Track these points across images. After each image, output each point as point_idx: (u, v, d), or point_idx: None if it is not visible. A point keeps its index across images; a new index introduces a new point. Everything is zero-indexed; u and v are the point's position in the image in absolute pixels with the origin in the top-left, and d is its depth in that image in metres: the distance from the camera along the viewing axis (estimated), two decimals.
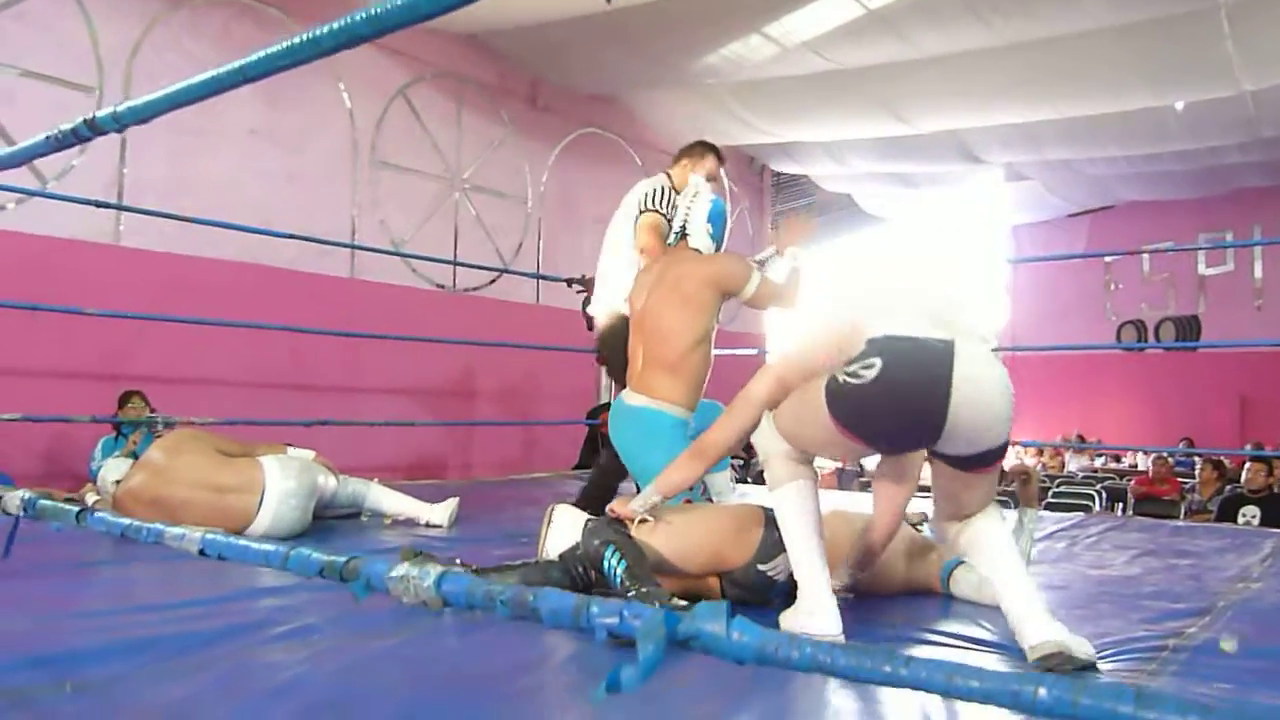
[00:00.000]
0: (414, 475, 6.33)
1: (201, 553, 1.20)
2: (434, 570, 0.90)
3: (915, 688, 0.61)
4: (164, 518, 2.87)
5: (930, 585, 2.50)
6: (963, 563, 2.44)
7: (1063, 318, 13.31)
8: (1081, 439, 12.16)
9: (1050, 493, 7.84)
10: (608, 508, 2.30)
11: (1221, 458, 7.96)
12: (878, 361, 1.80)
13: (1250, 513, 6.00)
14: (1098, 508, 7.51)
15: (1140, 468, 10.57)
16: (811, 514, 2.04)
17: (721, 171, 3.50)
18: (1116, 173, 10.55)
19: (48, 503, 1.60)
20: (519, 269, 8.18)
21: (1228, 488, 7.09)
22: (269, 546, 1.14)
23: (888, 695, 1.58)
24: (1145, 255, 12.80)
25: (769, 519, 2.17)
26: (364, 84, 7.39)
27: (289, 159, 6.95)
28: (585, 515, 2.46)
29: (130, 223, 6.04)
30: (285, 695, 1.53)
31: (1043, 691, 0.57)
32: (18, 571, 2.27)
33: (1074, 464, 11.59)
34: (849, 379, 1.83)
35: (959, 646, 2.02)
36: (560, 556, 2.32)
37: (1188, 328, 12.52)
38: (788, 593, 2.12)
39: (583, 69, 8.21)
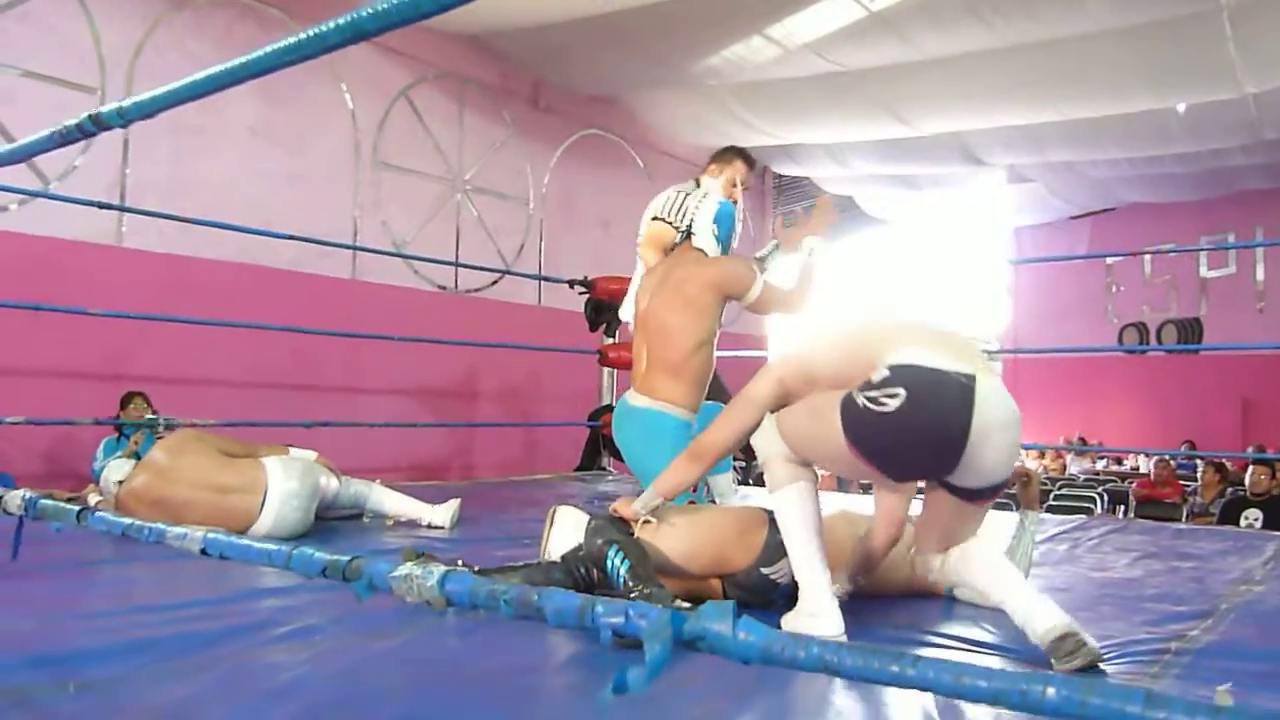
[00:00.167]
0: (415, 476, 6.33)
1: (203, 552, 1.20)
2: (437, 569, 0.90)
3: (923, 688, 0.61)
4: (166, 518, 2.87)
5: (933, 587, 2.49)
6: None
7: (1064, 319, 13.30)
8: (1083, 441, 12.15)
9: (1051, 495, 7.84)
10: (610, 507, 2.29)
11: (1224, 460, 7.95)
12: (902, 392, 1.81)
13: (1253, 515, 6.00)
14: (1099, 510, 7.51)
15: (1142, 470, 10.56)
16: (812, 516, 2.04)
17: (750, 176, 3.45)
18: (1118, 175, 10.54)
19: (49, 502, 1.60)
20: (521, 270, 8.19)
21: (1230, 490, 7.08)
22: (271, 546, 1.14)
23: (891, 695, 1.58)
24: (1147, 257, 12.78)
25: (772, 521, 2.17)
26: (366, 84, 7.40)
27: (291, 160, 6.96)
28: (587, 516, 2.45)
29: (132, 223, 6.05)
30: (287, 696, 1.52)
31: (1051, 691, 0.56)
32: (20, 571, 2.27)
33: (1075, 466, 11.58)
34: (870, 405, 1.84)
35: (962, 648, 2.02)
36: (562, 557, 2.32)
37: (1190, 330, 12.50)
38: (790, 595, 2.11)
39: (585, 70, 8.21)
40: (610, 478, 5.88)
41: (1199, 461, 9.29)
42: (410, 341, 6.12)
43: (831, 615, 1.98)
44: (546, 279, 6.89)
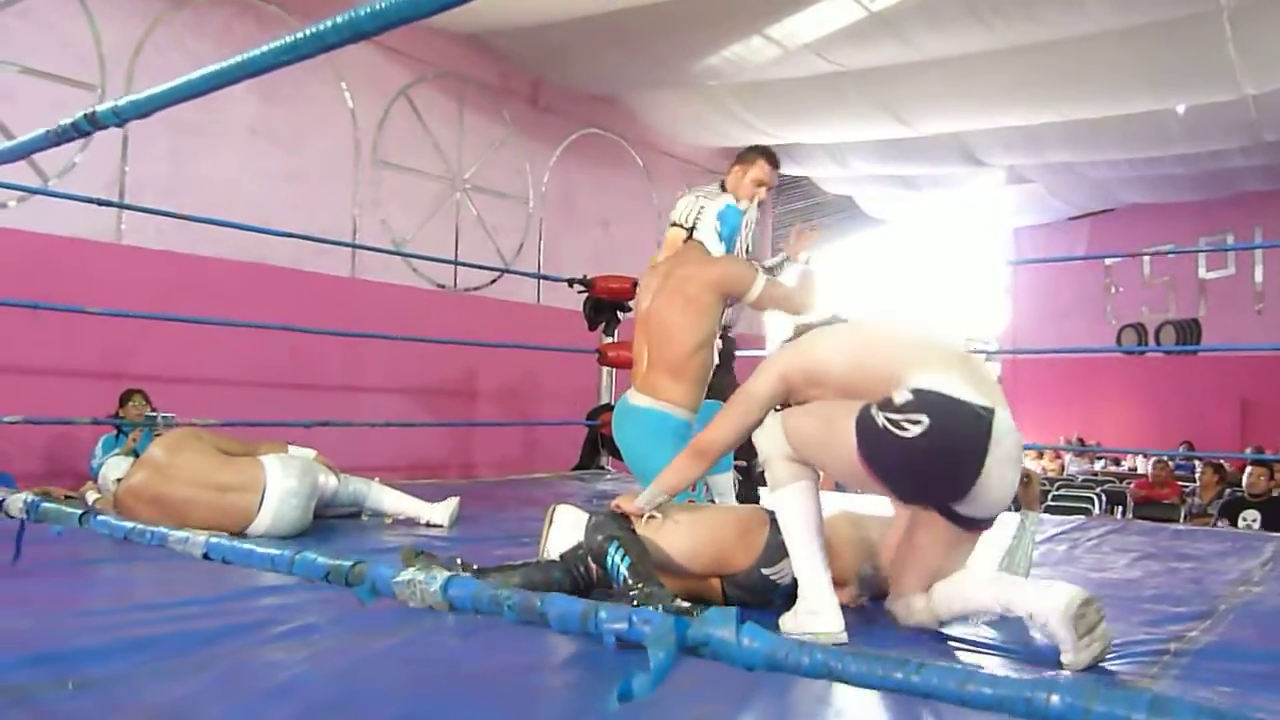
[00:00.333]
0: (414, 475, 6.32)
1: (206, 557, 1.20)
2: (440, 575, 0.90)
3: (928, 695, 0.61)
4: (165, 516, 2.88)
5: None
6: None
7: (1063, 320, 13.31)
8: (1081, 442, 12.16)
9: (1050, 496, 7.85)
10: (612, 503, 2.29)
11: (1222, 461, 7.96)
12: (925, 420, 1.81)
13: (1251, 516, 6.01)
14: (1097, 511, 7.51)
15: (1140, 471, 10.58)
16: (813, 515, 2.03)
17: (774, 175, 3.46)
18: (1118, 175, 10.55)
19: (50, 505, 1.60)
20: (520, 269, 8.18)
21: (1228, 491, 7.09)
22: (274, 550, 1.14)
23: (890, 698, 1.58)
24: (1146, 258, 12.80)
25: (773, 522, 2.16)
26: (366, 84, 7.39)
27: (290, 158, 6.95)
28: (587, 515, 2.45)
29: (131, 221, 6.04)
30: (285, 695, 1.52)
31: (1055, 698, 0.56)
32: (20, 570, 2.27)
33: (1074, 467, 11.60)
34: (890, 427, 1.84)
35: (964, 648, 2.02)
36: (561, 556, 2.32)
37: (1188, 331, 12.51)
38: (789, 595, 2.11)
39: (584, 69, 8.21)
40: (609, 477, 5.88)
41: (1197, 462, 9.30)
42: (409, 340, 6.12)
43: (832, 613, 1.98)
44: (546, 278, 6.89)
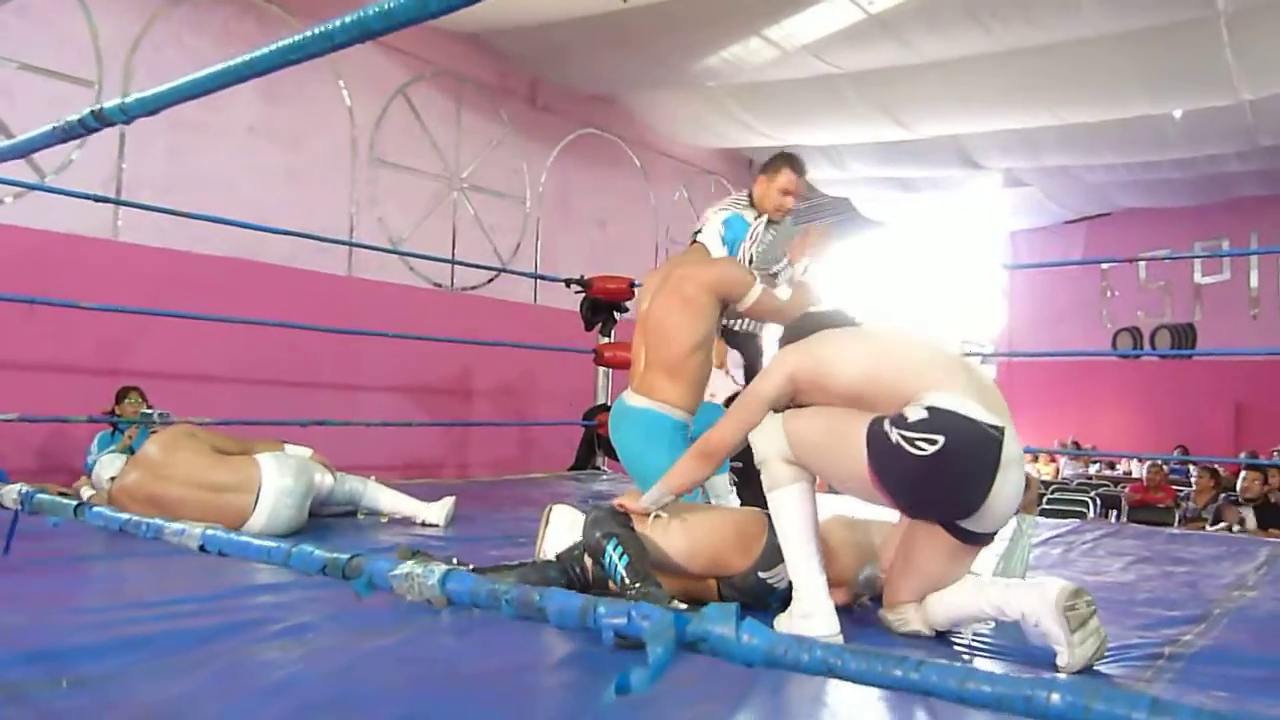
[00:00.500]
0: (409, 474, 6.32)
1: (202, 549, 1.20)
2: (439, 568, 0.90)
3: (927, 693, 0.61)
4: (159, 515, 2.86)
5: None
6: None
7: (1059, 324, 13.33)
8: (1076, 445, 12.18)
9: (1044, 499, 7.86)
10: (616, 501, 2.28)
11: (1216, 466, 7.98)
12: (941, 440, 1.82)
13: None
14: (1092, 514, 7.53)
15: (1134, 475, 10.60)
16: (809, 517, 2.03)
17: (800, 183, 3.46)
18: (1115, 180, 10.57)
19: (45, 497, 1.59)
20: (517, 269, 8.18)
21: (1222, 495, 7.11)
22: (270, 544, 1.13)
23: (886, 695, 1.58)
24: (1142, 263, 12.82)
25: (771, 526, 2.15)
26: (364, 82, 7.39)
27: (288, 156, 6.94)
28: (583, 515, 2.44)
29: (128, 218, 6.03)
30: (281, 693, 1.52)
31: (1055, 697, 0.56)
32: (14, 566, 2.27)
33: (1068, 470, 11.62)
34: (904, 444, 1.84)
35: (960, 647, 2.02)
36: (557, 556, 2.31)
37: (1183, 335, 12.54)
38: (784, 599, 2.11)
39: (583, 69, 8.21)
40: (605, 477, 5.88)
41: (1191, 466, 9.32)
42: (406, 339, 6.11)
43: (828, 615, 1.98)
44: (543, 277, 6.88)
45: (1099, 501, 7.94)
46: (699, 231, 3.30)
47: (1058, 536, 3.90)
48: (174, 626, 1.87)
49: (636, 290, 5.89)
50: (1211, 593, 2.74)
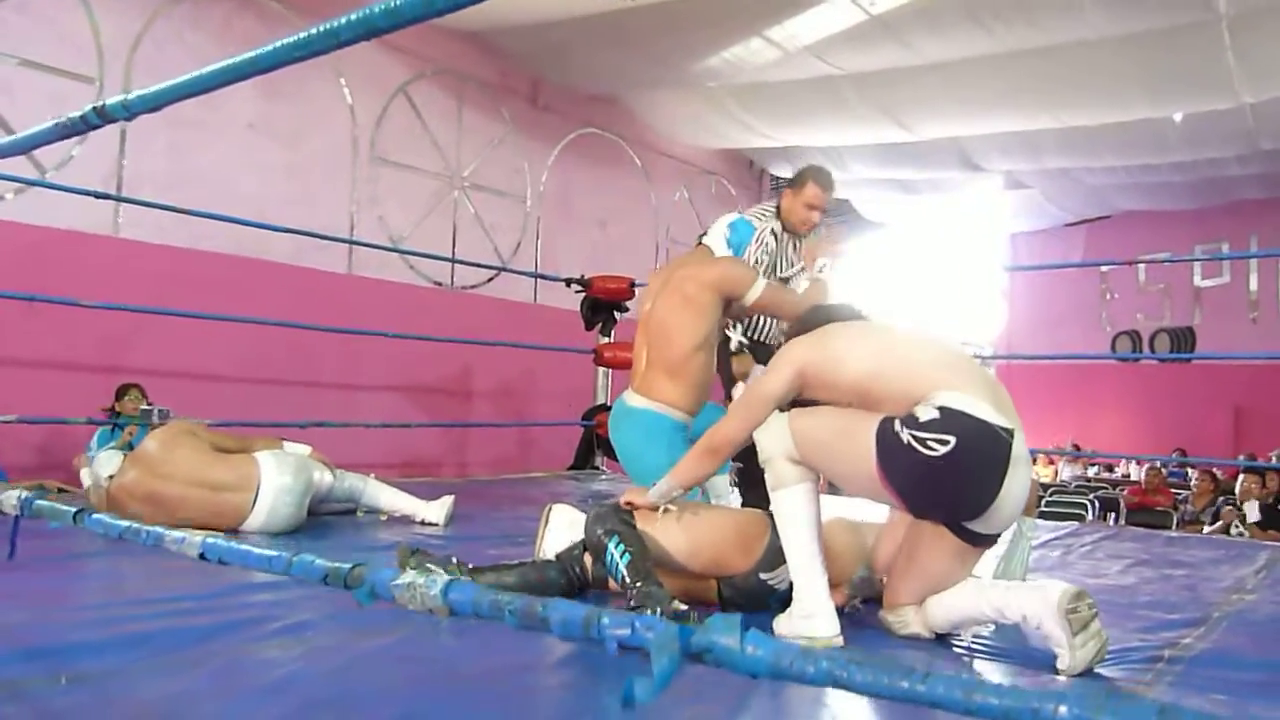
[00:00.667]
0: (409, 472, 6.31)
1: (202, 557, 1.19)
2: (440, 578, 0.89)
3: (933, 705, 0.61)
4: (157, 513, 2.87)
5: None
6: None
7: (1058, 326, 13.33)
8: (1076, 447, 12.18)
9: (1043, 501, 7.86)
10: (621, 499, 2.27)
11: (1215, 469, 7.98)
12: (952, 440, 1.82)
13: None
14: (1090, 517, 7.53)
15: (1134, 478, 10.60)
16: (812, 517, 2.02)
17: (824, 196, 3.46)
18: (1115, 182, 10.57)
19: (44, 503, 1.59)
20: (517, 268, 8.17)
21: (1221, 499, 7.11)
22: (272, 552, 1.13)
23: (889, 705, 1.57)
24: (1141, 265, 12.82)
25: (773, 527, 2.15)
26: (365, 80, 7.38)
27: (288, 154, 6.94)
28: (582, 515, 2.44)
29: (129, 215, 6.03)
30: (280, 692, 1.52)
31: (1063, 709, 0.56)
32: (14, 564, 2.26)
33: (1067, 472, 11.62)
34: (916, 445, 1.84)
35: (961, 651, 2.02)
36: (557, 556, 2.31)
37: (1183, 339, 12.54)
38: (784, 600, 2.10)
39: (584, 69, 8.20)
40: (604, 477, 5.87)
41: (1190, 469, 9.32)
42: (406, 338, 6.11)
43: (828, 617, 1.97)
44: (543, 277, 6.88)
45: (1097, 504, 7.94)
46: (705, 234, 3.30)
47: (1057, 539, 3.91)
48: (173, 624, 1.87)
49: (637, 290, 5.89)
50: (1211, 596, 2.74)
